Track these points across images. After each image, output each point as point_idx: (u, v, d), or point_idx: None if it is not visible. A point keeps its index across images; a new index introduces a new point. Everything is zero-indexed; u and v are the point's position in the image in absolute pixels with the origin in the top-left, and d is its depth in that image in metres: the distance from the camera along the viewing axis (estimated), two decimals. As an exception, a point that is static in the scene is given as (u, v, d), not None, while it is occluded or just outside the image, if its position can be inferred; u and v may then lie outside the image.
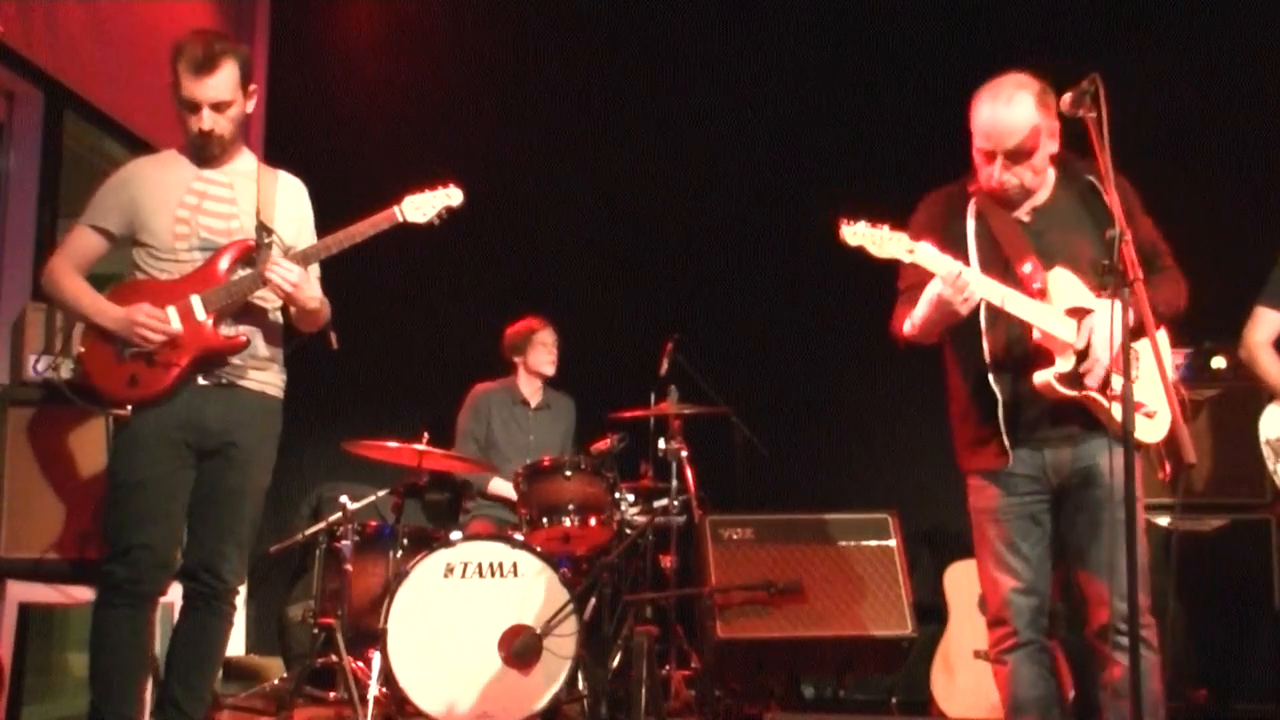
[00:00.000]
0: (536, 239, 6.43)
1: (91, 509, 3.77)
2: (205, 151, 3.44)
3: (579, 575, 4.81)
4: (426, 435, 4.80)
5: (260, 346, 3.48)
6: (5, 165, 4.89)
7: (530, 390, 5.67)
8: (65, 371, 3.69)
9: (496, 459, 5.46)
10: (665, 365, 5.26)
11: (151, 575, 3.31)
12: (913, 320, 3.19)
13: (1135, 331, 2.80)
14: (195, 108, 3.35)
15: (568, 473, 4.78)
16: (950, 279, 3.00)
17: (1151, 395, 3.05)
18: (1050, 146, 3.12)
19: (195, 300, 3.35)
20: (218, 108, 3.37)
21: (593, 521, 4.73)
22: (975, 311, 3.08)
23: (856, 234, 3.07)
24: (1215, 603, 4.60)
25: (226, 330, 3.39)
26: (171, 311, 3.32)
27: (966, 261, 3.13)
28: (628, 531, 4.78)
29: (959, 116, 6.33)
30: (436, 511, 5.76)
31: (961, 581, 5.00)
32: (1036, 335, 3.06)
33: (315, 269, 3.59)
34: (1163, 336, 3.14)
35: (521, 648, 4.42)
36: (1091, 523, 3.03)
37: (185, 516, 3.39)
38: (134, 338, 3.30)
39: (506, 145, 6.42)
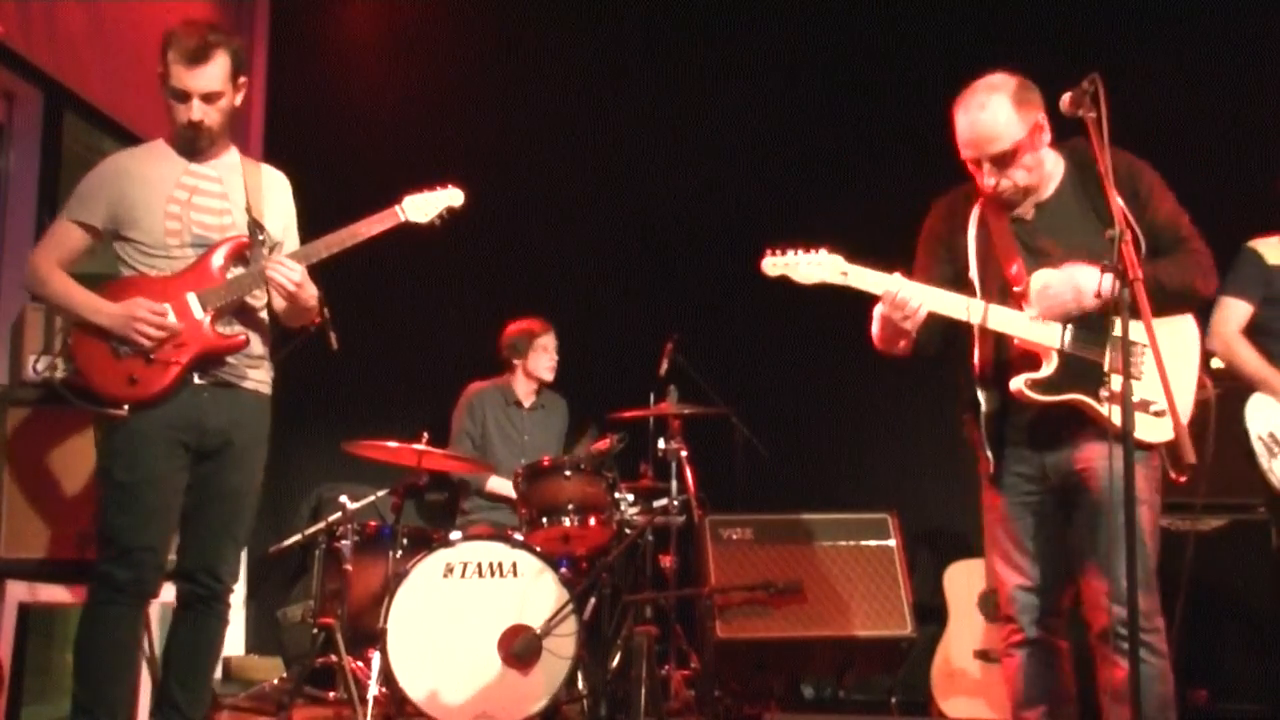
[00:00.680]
0: (536, 239, 6.42)
1: (91, 509, 3.75)
2: (194, 144, 3.38)
3: (579, 575, 4.82)
4: (426, 435, 4.80)
5: (255, 344, 3.47)
6: (5, 165, 4.88)
7: (525, 391, 5.65)
8: (61, 371, 3.64)
9: (492, 459, 5.45)
10: (665, 365, 5.26)
11: (152, 577, 3.29)
12: (873, 336, 3.20)
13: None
14: (185, 98, 3.30)
15: (567, 473, 4.78)
16: (888, 298, 3.02)
17: (1157, 392, 2.97)
18: (1039, 141, 3.07)
19: (192, 298, 3.31)
20: (208, 99, 3.31)
21: (592, 521, 4.73)
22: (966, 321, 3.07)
23: (776, 265, 3.11)
24: (1215, 603, 4.60)
25: (224, 329, 3.37)
26: (168, 308, 3.28)
27: (968, 267, 3.13)
28: (627, 531, 4.78)
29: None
30: (434, 512, 5.78)
31: (961, 581, 5.00)
32: (1017, 341, 3.05)
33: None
34: (1189, 322, 3.11)
35: (521, 648, 4.42)
36: (1091, 524, 3.01)
37: (179, 517, 3.36)
38: (132, 335, 3.24)
39: (507, 145, 6.42)
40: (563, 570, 4.60)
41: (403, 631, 4.38)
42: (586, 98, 6.46)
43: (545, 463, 4.88)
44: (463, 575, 4.49)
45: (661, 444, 4.90)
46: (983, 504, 3.24)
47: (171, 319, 3.27)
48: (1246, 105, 5.65)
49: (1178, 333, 3.10)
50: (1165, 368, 2.73)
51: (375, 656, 4.42)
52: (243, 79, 3.41)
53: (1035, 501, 3.11)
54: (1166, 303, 3.01)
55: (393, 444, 4.74)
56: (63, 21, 4.72)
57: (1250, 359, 4.06)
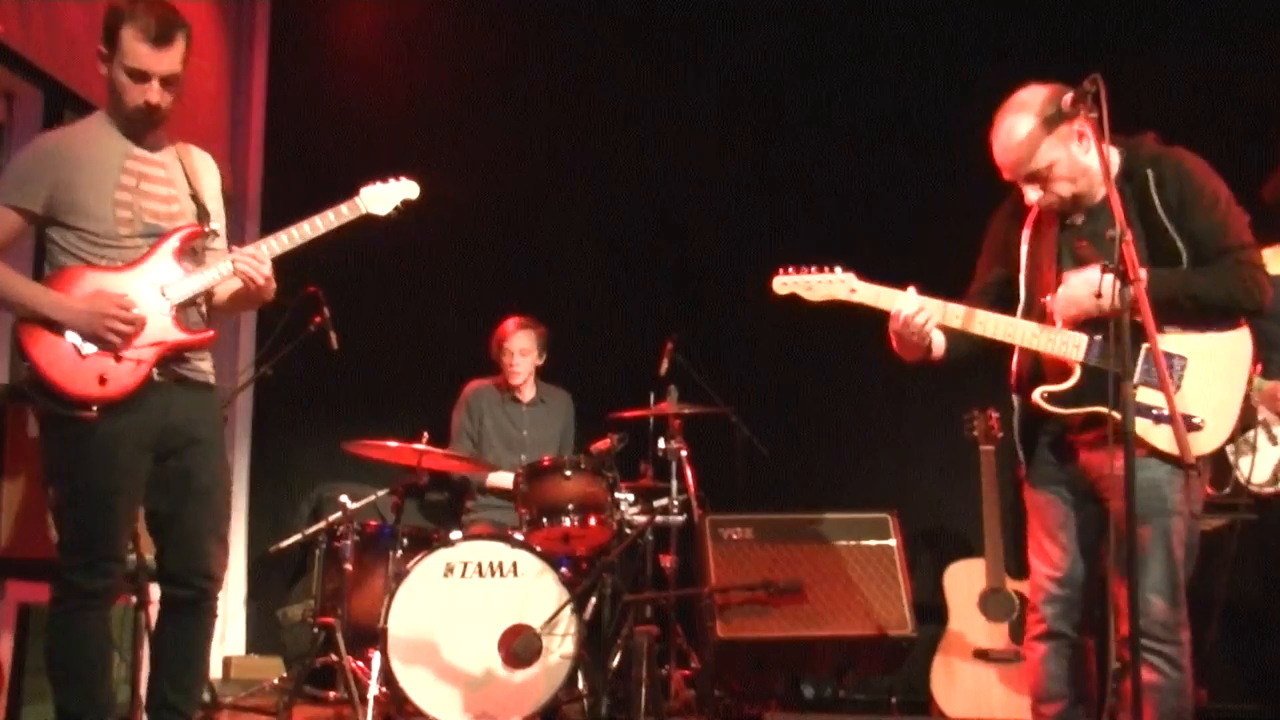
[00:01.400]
0: (537, 238, 6.43)
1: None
2: (144, 126, 3.24)
3: (579, 575, 4.81)
4: (426, 435, 4.81)
5: None
6: (5, 165, 4.88)
7: (522, 387, 5.62)
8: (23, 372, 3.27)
9: (491, 456, 5.44)
10: (665, 365, 5.26)
11: (119, 582, 3.22)
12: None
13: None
14: (144, 78, 3.15)
15: (568, 472, 4.78)
16: (895, 319, 3.08)
17: (1199, 404, 2.96)
18: (1078, 151, 3.02)
19: (155, 291, 3.18)
20: (167, 81, 3.17)
21: (592, 521, 4.73)
22: None
23: (786, 284, 3.17)
24: (1214, 603, 4.60)
25: (188, 323, 3.25)
26: (134, 304, 3.14)
27: (1019, 273, 3.15)
28: (627, 531, 4.78)
29: (959, 117, 6.33)
30: (435, 512, 5.78)
31: (961, 581, 5.00)
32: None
33: None
34: (1243, 337, 3.04)
35: (521, 648, 4.42)
36: (1116, 533, 2.94)
37: (156, 520, 3.27)
38: (103, 334, 3.08)
39: (507, 145, 6.42)
40: (563, 570, 4.60)
41: (403, 631, 4.38)
42: (586, 97, 6.46)
43: (545, 462, 4.88)
44: (463, 575, 4.49)
45: (661, 444, 4.90)
46: (1024, 493, 3.26)
47: (139, 314, 3.13)
48: (1250, 105, 5.65)
49: (1228, 346, 3.04)
50: (1201, 383, 2.82)
51: (375, 656, 4.42)
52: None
53: (1070, 497, 3.11)
54: (1202, 314, 2.99)
55: (393, 444, 4.74)
56: (63, 21, 4.72)
57: None
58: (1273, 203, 4.19)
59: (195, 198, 3.33)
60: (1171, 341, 2.99)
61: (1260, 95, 5.62)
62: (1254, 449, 4.16)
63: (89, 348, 3.10)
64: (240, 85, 6.54)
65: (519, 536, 4.68)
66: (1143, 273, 2.84)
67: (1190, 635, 2.96)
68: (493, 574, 4.51)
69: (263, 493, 6.45)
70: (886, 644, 4.71)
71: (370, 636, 4.52)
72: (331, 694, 4.88)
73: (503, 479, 5.36)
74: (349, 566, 4.65)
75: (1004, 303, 3.19)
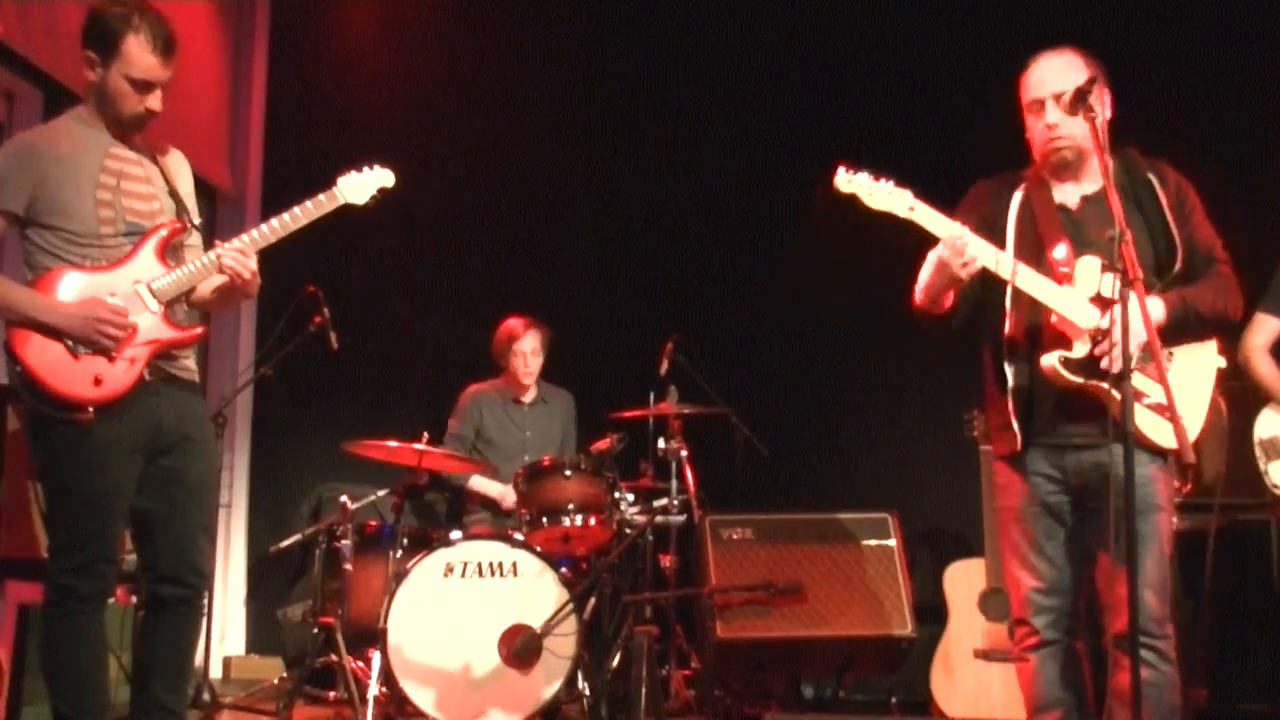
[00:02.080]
0: (537, 238, 6.43)
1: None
2: (134, 130, 3.24)
3: (579, 575, 4.81)
4: (426, 435, 4.81)
5: None
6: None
7: (523, 388, 5.63)
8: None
9: (494, 458, 5.44)
10: (665, 365, 5.26)
11: (112, 585, 3.21)
12: (918, 284, 3.16)
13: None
14: (148, 88, 3.17)
15: (568, 473, 4.77)
16: (949, 240, 2.97)
17: (1180, 400, 2.94)
18: (1102, 112, 3.05)
19: (143, 290, 3.16)
20: (165, 87, 3.20)
21: (593, 521, 4.73)
22: (1002, 290, 3.06)
23: (851, 182, 3.06)
24: (1215, 603, 4.61)
25: (177, 321, 3.23)
26: (125, 305, 3.12)
27: (1004, 246, 3.10)
28: (627, 531, 4.78)
29: (961, 118, 6.35)
30: (434, 512, 5.77)
31: (961, 581, 5.00)
32: (1054, 319, 3.01)
33: None
34: (1212, 347, 3.13)
35: (521, 647, 4.41)
36: (1107, 529, 2.92)
37: (148, 521, 3.24)
38: (96, 337, 3.06)
39: (507, 145, 6.42)
40: (563, 570, 4.60)
41: (403, 631, 4.38)
42: (586, 97, 6.47)
43: (545, 463, 4.88)
44: (463, 575, 4.49)
45: (661, 444, 4.89)
46: (996, 505, 3.21)
47: (130, 315, 3.12)
48: (1257, 105, 5.65)
49: (1203, 350, 3.11)
50: (1180, 379, 2.78)
51: (375, 656, 4.41)
52: None
53: (1055, 502, 3.07)
54: (1200, 330, 3.06)
55: (393, 444, 4.74)
56: (63, 21, 4.71)
57: (1266, 373, 4.17)
58: None
59: (174, 194, 3.31)
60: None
61: (1261, 97, 5.63)
62: None
63: (82, 350, 3.07)
64: (240, 85, 6.54)
65: (519, 536, 4.68)
66: (1156, 301, 2.95)
67: (1174, 629, 2.99)
68: (493, 574, 4.51)
69: (263, 493, 6.45)
70: (886, 644, 4.72)
71: (370, 636, 4.51)
72: (331, 694, 4.88)
73: (484, 484, 5.35)
74: (349, 566, 4.64)
75: None
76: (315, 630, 4.70)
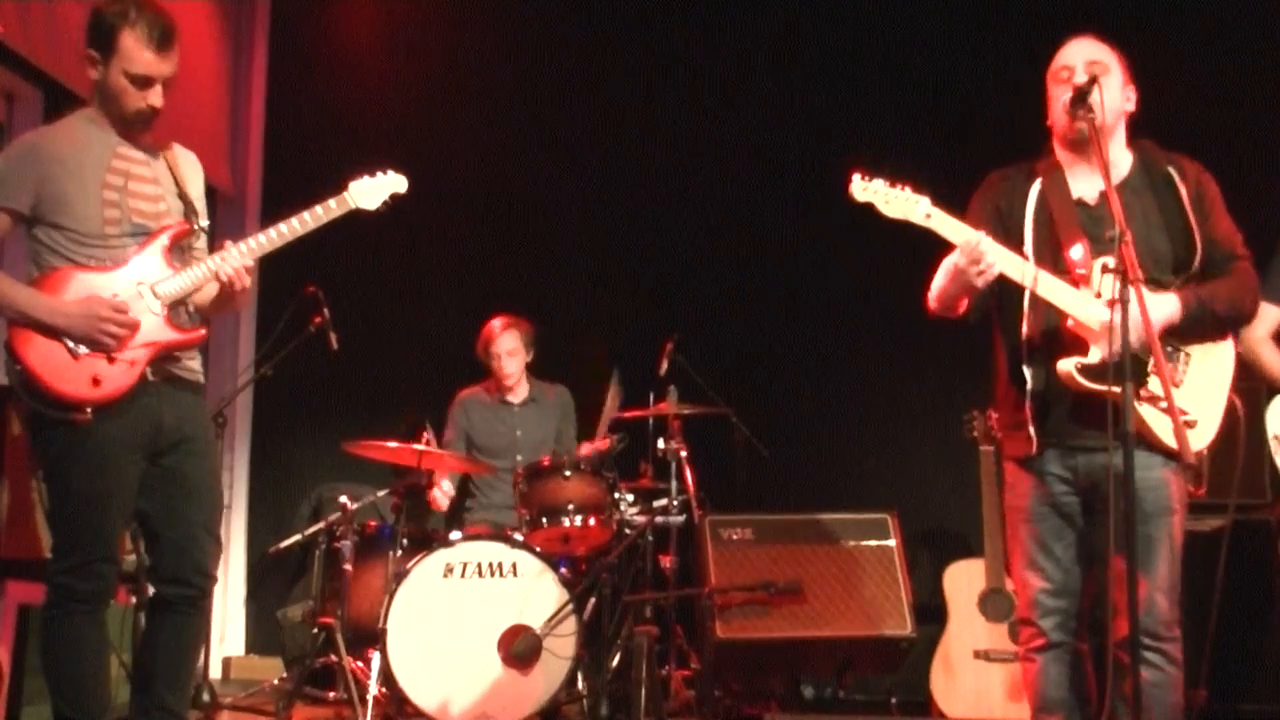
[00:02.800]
0: (536, 238, 6.43)
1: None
2: (140, 128, 3.22)
3: (578, 575, 4.81)
4: (426, 435, 4.80)
5: None
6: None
7: (513, 388, 5.58)
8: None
9: (486, 459, 5.42)
10: (665, 365, 5.26)
11: (113, 585, 3.20)
12: (932, 290, 3.14)
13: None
14: (148, 83, 3.14)
15: (567, 473, 4.78)
16: (967, 248, 2.94)
17: (1193, 403, 2.96)
18: (1125, 103, 3.07)
19: (146, 291, 3.15)
20: (166, 84, 3.17)
21: (592, 522, 4.73)
22: (1020, 291, 3.03)
23: (867, 190, 3.02)
24: (1213, 602, 4.60)
25: (179, 322, 3.22)
26: (128, 305, 3.11)
27: (1022, 242, 3.08)
28: (627, 532, 4.78)
29: (962, 118, 6.35)
30: (431, 513, 5.75)
31: (961, 581, 4.99)
32: (1070, 322, 2.99)
33: None
34: (1227, 343, 3.10)
35: (521, 648, 4.42)
36: (1116, 532, 2.89)
37: (149, 521, 3.24)
38: (98, 337, 3.05)
39: (507, 145, 6.43)
40: (563, 570, 4.60)
41: (403, 631, 4.38)
42: (586, 97, 6.47)
43: (545, 463, 4.88)
44: (463, 575, 4.49)
45: (661, 444, 4.89)
46: (1005, 505, 3.20)
47: (131, 315, 3.11)
48: (1263, 99, 5.64)
49: (1221, 352, 3.09)
50: (1198, 381, 2.78)
51: (375, 656, 4.42)
52: None
53: (1065, 503, 3.05)
54: (1216, 328, 3.04)
55: (393, 444, 4.74)
56: (63, 21, 4.72)
57: (1274, 362, 4.09)
58: None
59: (182, 196, 3.30)
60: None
61: (1263, 88, 5.62)
62: None
63: (82, 350, 3.07)
64: (240, 85, 6.54)
65: (519, 537, 4.68)
66: (1170, 298, 2.94)
67: (1181, 631, 2.98)
68: (492, 574, 4.51)
69: (263, 493, 6.45)
70: (886, 644, 4.71)
71: (370, 637, 4.52)
72: (331, 694, 4.89)
73: (442, 498, 5.31)
74: (349, 567, 4.65)
75: None
76: (315, 631, 4.71)
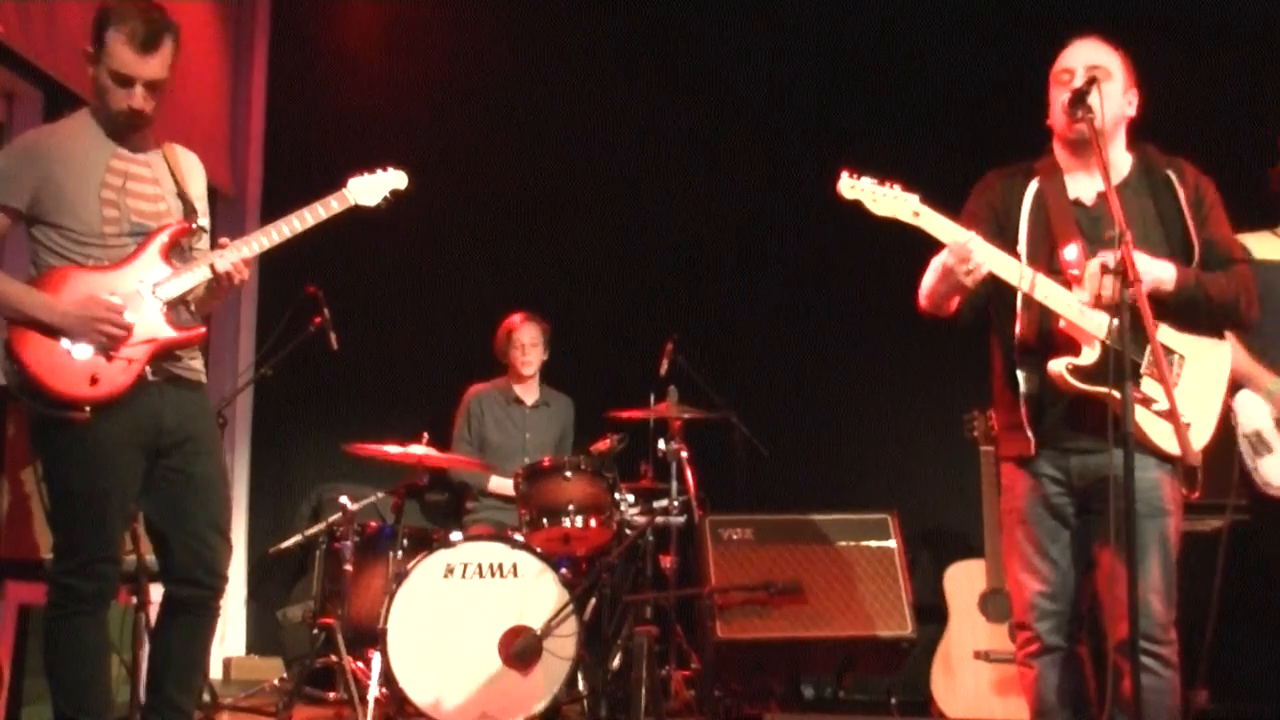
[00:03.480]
0: (536, 239, 6.43)
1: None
2: (128, 129, 3.21)
3: (579, 576, 4.82)
4: (426, 436, 4.80)
5: None
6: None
7: (525, 389, 5.64)
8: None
9: (493, 458, 5.44)
10: (665, 365, 5.26)
11: (114, 585, 3.20)
12: (922, 288, 3.14)
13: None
14: (129, 83, 3.13)
15: (568, 473, 4.78)
16: (955, 247, 2.93)
17: (1188, 405, 2.95)
18: (1127, 108, 3.07)
19: (145, 290, 3.14)
20: (152, 86, 3.15)
21: (593, 522, 4.73)
22: (1013, 291, 3.02)
23: (855, 188, 3.01)
24: (1210, 603, 4.60)
25: (178, 320, 3.21)
26: (123, 304, 3.11)
27: (1017, 241, 3.07)
28: (628, 532, 4.78)
29: (963, 118, 6.34)
30: (435, 512, 5.77)
31: (961, 581, 4.99)
32: (1062, 323, 2.98)
33: None
34: (1224, 345, 3.11)
35: (521, 648, 4.42)
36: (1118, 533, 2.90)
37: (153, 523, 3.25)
38: (94, 334, 3.04)
39: (507, 145, 6.43)
40: (563, 571, 4.60)
41: (403, 632, 4.38)
42: (587, 97, 6.47)
43: (545, 463, 4.88)
44: (463, 576, 4.49)
45: (662, 444, 4.89)
46: (1001, 508, 3.19)
47: (129, 314, 3.10)
48: (1251, 97, 5.64)
49: (1217, 353, 3.09)
50: (1192, 384, 2.76)
51: (375, 657, 4.41)
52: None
53: (1059, 504, 3.05)
54: (1208, 316, 3.02)
55: (393, 449, 4.74)
56: (63, 21, 4.72)
57: (1239, 359, 4.06)
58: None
59: (182, 196, 3.30)
60: (1170, 337, 3.01)
61: (1259, 90, 5.62)
62: (1270, 450, 4.16)
63: (80, 348, 3.06)
64: (240, 85, 6.54)
65: (519, 537, 4.68)
66: (1168, 265, 2.93)
67: (1177, 633, 2.97)
68: (493, 575, 4.51)
69: (263, 493, 6.45)
70: (886, 644, 4.72)
71: (370, 637, 4.52)
72: (331, 694, 4.89)
73: (503, 485, 5.36)
74: (349, 567, 4.65)
75: None
76: (315, 631, 4.70)
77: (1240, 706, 4.72)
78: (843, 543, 4.85)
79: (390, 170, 3.52)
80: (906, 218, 2.98)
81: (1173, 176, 3.09)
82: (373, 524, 4.98)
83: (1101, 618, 3.02)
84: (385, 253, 6.24)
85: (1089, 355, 2.95)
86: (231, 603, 6.24)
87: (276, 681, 5.24)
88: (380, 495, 5.44)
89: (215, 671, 5.78)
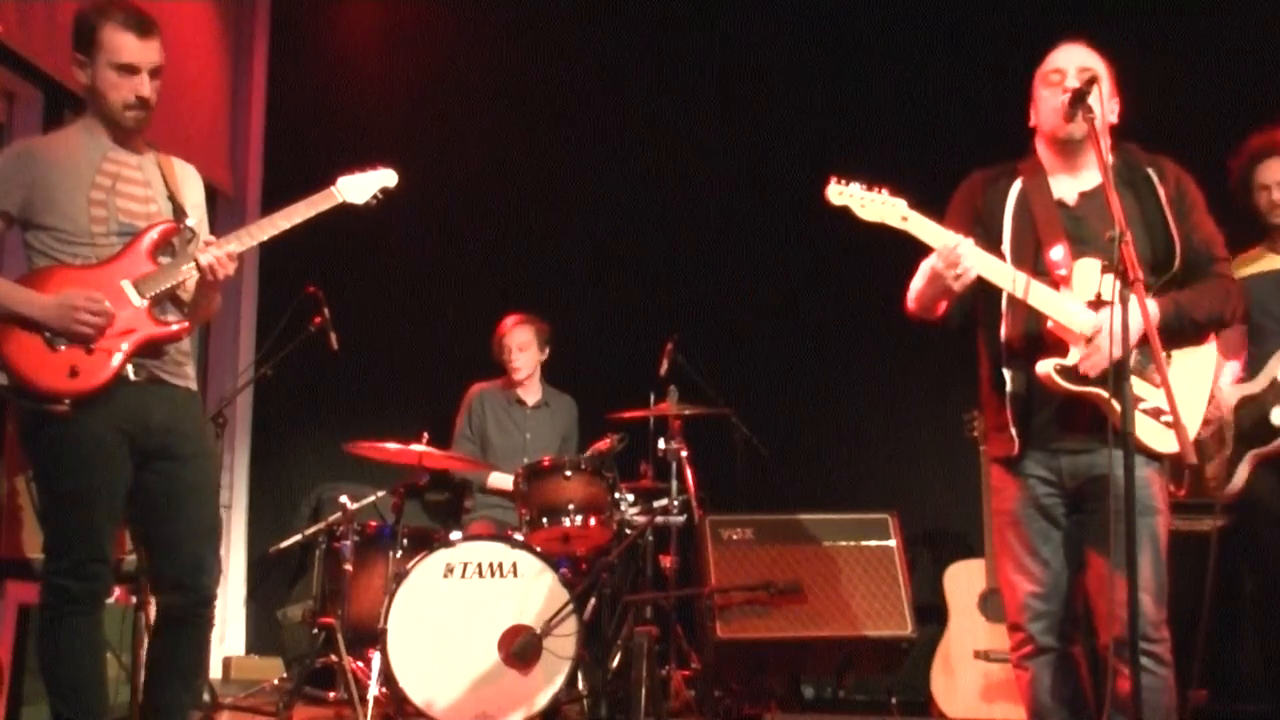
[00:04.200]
0: (536, 238, 6.43)
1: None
2: (134, 123, 3.22)
3: (579, 575, 4.81)
4: (426, 435, 4.80)
5: (185, 340, 3.31)
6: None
7: (526, 390, 5.63)
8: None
9: (493, 458, 5.44)
10: (665, 365, 5.26)
11: (106, 585, 3.19)
12: (910, 291, 3.13)
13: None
14: (134, 71, 3.14)
15: (568, 473, 4.78)
16: (944, 252, 2.93)
17: (1179, 402, 2.89)
18: (1110, 114, 3.08)
19: (127, 285, 3.15)
20: (153, 73, 3.17)
21: (593, 522, 4.73)
22: (999, 293, 3.03)
23: (843, 194, 3.02)
24: (1215, 603, 4.60)
25: (162, 317, 3.21)
26: (103, 296, 3.10)
27: (1000, 241, 3.07)
28: (627, 532, 4.78)
29: (963, 118, 6.34)
30: (436, 511, 5.78)
31: (961, 581, 5.00)
32: (1050, 324, 2.98)
33: None
34: (1210, 345, 3.11)
35: (521, 648, 4.42)
36: (1104, 533, 2.89)
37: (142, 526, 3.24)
38: (73, 326, 3.04)
39: (506, 144, 6.43)
40: (563, 570, 4.60)
41: (403, 631, 4.38)
42: (587, 96, 6.47)
43: (545, 463, 4.88)
44: (463, 575, 4.49)
45: (662, 444, 4.89)
46: (992, 505, 3.18)
47: (111, 307, 3.10)
48: (1249, 102, 5.64)
49: (1202, 352, 3.09)
50: (1179, 383, 2.73)
51: (375, 656, 4.42)
52: None
53: (1049, 505, 3.04)
54: (1194, 334, 3.04)
55: (393, 446, 4.74)
56: (63, 21, 4.70)
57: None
58: (1237, 181, 4.16)
59: (173, 198, 3.30)
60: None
61: (1258, 94, 5.62)
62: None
63: (60, 342, 3.06)
64: (240, 85, 6.54)
65: (519, 537, 4.68)
66: (1153, 304, 2.90)
67: (1170, 632, 2.96)
68: (493, 574, 4.51)
69: (263, 493, 6.46)
70: (886, 644, 4.71)
71: (370, 637, 4.52)
72: (331, 694, 4.88)
73: (502, 480, 5.36)
74: (349, 567, 4.65)
75: None
76: (315, 630, 4.70)
77: (1240, 707, 4.72)
78: (843, 543, 4.85)
79: (380, 168, 3.51)
80: (895, 223, 2.99)
81: (1153, 175, 3.09)
82: (372, 523, 4.98)
83: (1094, 618, 3.02)
84: (385, 253, 6.25)
85: (1076, 355, 2.96)
86: (231, 602, 6.25)
87: (276, 681, 5.24)
88: (380, 495, 5.43)
89: (215, 671, 5.78)
